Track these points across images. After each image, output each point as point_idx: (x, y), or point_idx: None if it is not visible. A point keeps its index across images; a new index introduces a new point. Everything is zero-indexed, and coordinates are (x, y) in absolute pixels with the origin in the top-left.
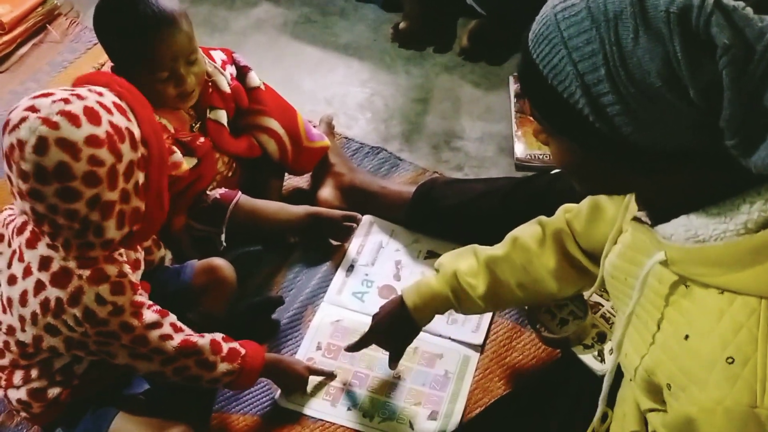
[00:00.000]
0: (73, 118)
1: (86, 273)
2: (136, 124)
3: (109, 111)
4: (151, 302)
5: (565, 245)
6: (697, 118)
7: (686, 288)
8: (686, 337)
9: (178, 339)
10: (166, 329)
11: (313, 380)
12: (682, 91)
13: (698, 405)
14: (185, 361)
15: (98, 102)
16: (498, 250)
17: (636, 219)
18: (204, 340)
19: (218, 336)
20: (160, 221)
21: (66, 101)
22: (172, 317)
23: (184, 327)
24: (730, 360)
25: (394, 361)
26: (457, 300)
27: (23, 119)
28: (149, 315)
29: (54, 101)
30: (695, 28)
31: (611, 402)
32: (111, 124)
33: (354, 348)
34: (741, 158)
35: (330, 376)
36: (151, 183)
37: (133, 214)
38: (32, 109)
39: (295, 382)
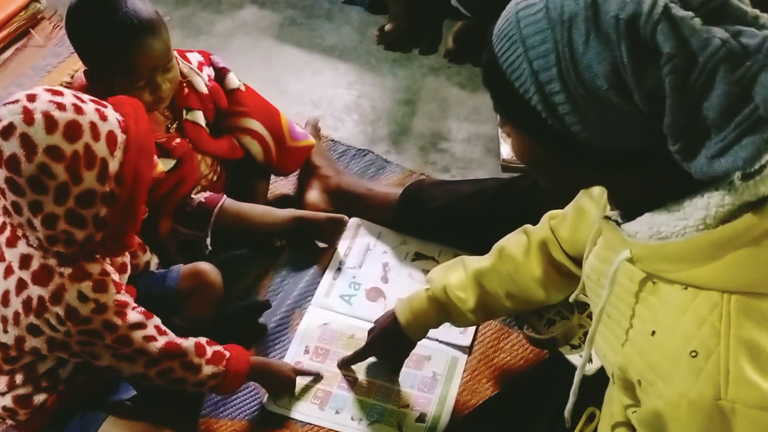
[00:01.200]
0: (50, 124)
1: (67, 271)
2: (118, 161)
3: (96, 136)
4: (135, 304)
5: (551, 253)
6: (642, 122)
7: (653, 284)
8: (653, 332)
9: (162, 341)
10: (150, 330)
11: (300, 383)
12: (627, 96)
13: (664, 399)
14: (169, 363)
15: (92, 123)
16: (485, 261)
17: (605, 218)
18: (188, 342)
19: (202, 339)
20: (121, 250)
21: (61, 107)
22: (157, 320)
23: (168, 330)
24: (693, 354)
25: (394, 374)
26: (448, 314)
27: (16, 101)
28: (133, 315)
29: (51, 101)
30: (642, 36)
31: (598, 402)
32: (87, 147)
33: (349, 363)
34: (683, 163)
35: (317, 377)
36: (111, 221)
37: (83, 239)
38: (30, 97)
39: (283, 384)
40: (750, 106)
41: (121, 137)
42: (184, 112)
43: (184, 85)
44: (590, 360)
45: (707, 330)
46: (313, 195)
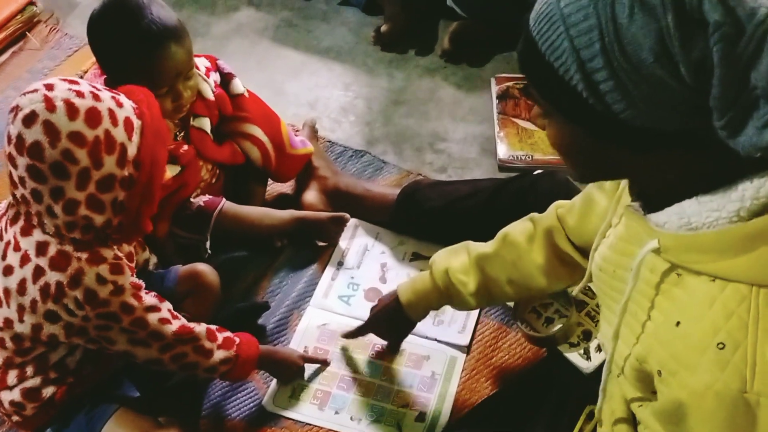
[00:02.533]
0: (72, 110)
1: (84, 255)
2: (136, 145)
3: (114, 121)
4: (148, 289)
5: (556, 241)
6: (687, 97)
7: (678, 276)
8: (677, 323)
9: (175, 325)
10: (164, 313)
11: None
12: (673, 68)
13: (688, 389)
14: (183, 348)
15: (110, 109)
16: (489, 247)
17: (629, 208)
18: (200, 327)
19: (212, 326)
20: (138, 234)
21: (80, 94)
22: (168, 304)
23: (179, 315)
24: (720, 345)
25: (394, 350)
26: (449, 297)
27: (35, 90)
28: (148, 298)
29: (70, 89)
30: (689, 5)
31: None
32: (107, 133)
33: (351, 335)
34: (729, 140)
35: (324, 363)
36: (128, 206)
37: (102, 224)
38: (49, 86)
39: (291, 371)
40: None
41: (137, 123)
42: (191, 118)
43: None
44: (588, 358)
45: (735, 322)
46: (311, 195)
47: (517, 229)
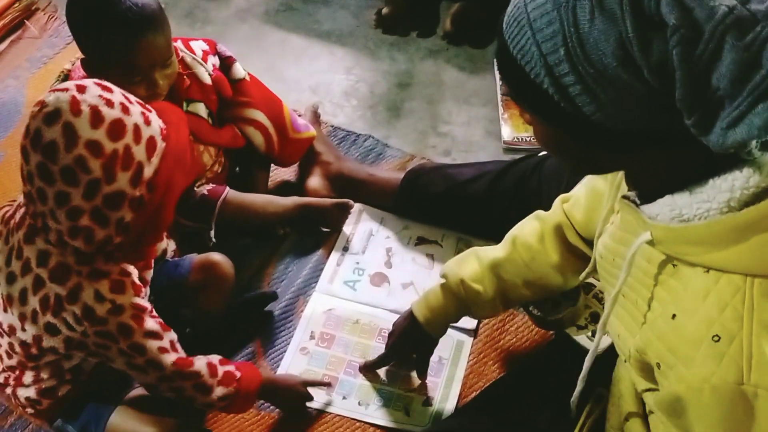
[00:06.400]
0: (96, 119)
1: (85, 269)
2: (154, 167)
3: (137, 138)
4: (156, 314)
5: (567, 237)
6: (655, 98)
7: (674, 267)
8: (673, 316)
9: (174, 356)
10: (165, 343)
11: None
12: (637, 72)
13: (685, 383)
14: (181, 383)
15: (136, 125)
16: (500, 252)
17: (624, 198)
18: (200, 362)
19: (214, 359)
20: (136, 260)
21: (109, 103)
22: (173, 334)
23: (180, 349)
24: (716, 338)
25: (422, 374)
26: (467, 307)
27: (65, 89)
28: (150, 323)
29: (101, 95)
30: (647, 8)
31: (606, 382)
32: (126, 148)
33: (372, 367)
34: (700, 137)
35: (327, 386)
36: (133, 227)
37: (102, 239)
38: (80, 87)
39: (294, 399)
40: (761, 72)
41: (160, 145)
42: (185, 104)
43: (185, 77)
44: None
45: (730, 314)
46: (315, 181)
47: (526, 231)
